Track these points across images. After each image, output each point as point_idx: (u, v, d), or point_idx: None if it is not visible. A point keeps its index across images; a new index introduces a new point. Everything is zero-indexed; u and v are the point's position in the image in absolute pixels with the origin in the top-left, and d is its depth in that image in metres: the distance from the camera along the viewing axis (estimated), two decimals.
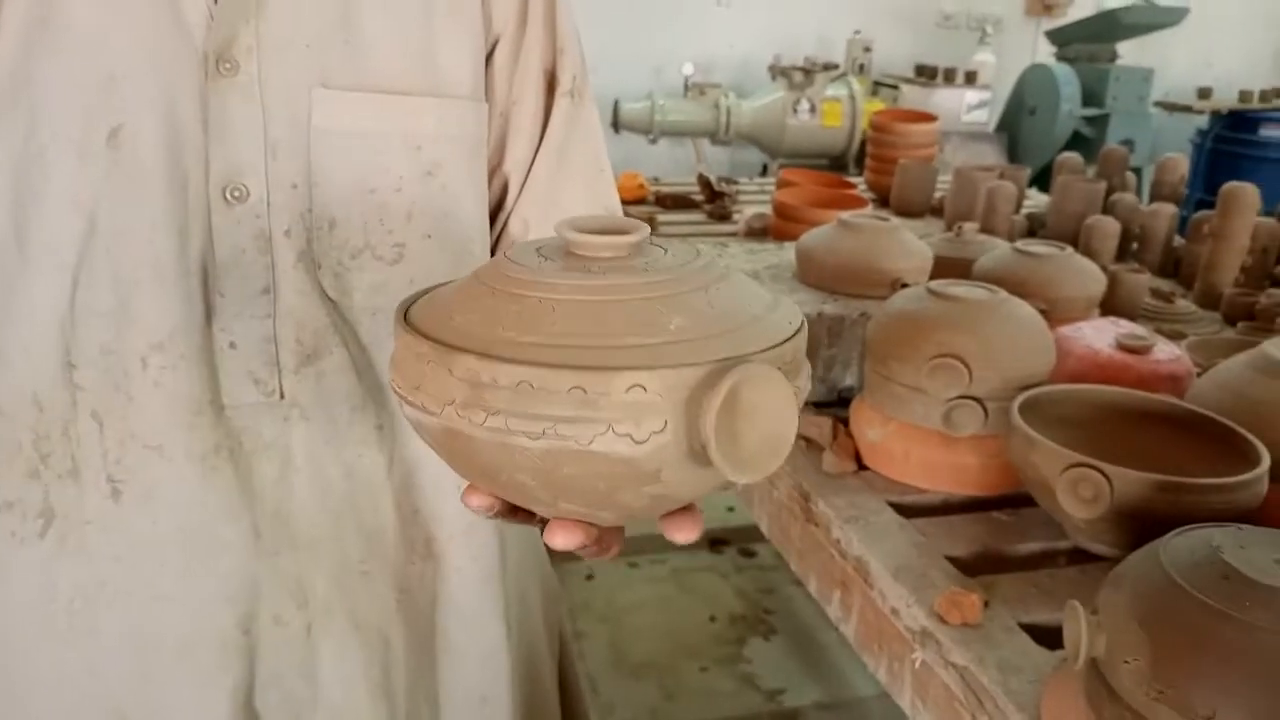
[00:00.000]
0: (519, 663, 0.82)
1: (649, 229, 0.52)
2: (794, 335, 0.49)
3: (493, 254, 0.78)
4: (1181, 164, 2.18)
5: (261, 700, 0.71)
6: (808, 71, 3.96)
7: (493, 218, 0.78)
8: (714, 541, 2.70)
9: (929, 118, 2.69)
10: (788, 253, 1.56)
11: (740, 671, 2.25)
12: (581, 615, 2.39)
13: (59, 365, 0.64)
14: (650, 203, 2.40)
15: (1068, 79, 4.15)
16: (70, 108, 0.62)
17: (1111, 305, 1.53)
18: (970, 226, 1.65)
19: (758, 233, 2.05)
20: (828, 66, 4.02)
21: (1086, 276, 1.42)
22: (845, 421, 1.20)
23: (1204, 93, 4.30)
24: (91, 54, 0.62)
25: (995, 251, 1.49)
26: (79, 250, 0.63)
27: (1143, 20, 4.47)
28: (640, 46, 4.38)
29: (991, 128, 4.32)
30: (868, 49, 4.42)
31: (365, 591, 0.72)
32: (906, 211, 2.30)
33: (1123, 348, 1.17)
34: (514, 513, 0.51)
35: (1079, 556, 0.97)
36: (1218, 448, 0.97)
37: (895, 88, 4.30)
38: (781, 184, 2.24)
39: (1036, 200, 2.51)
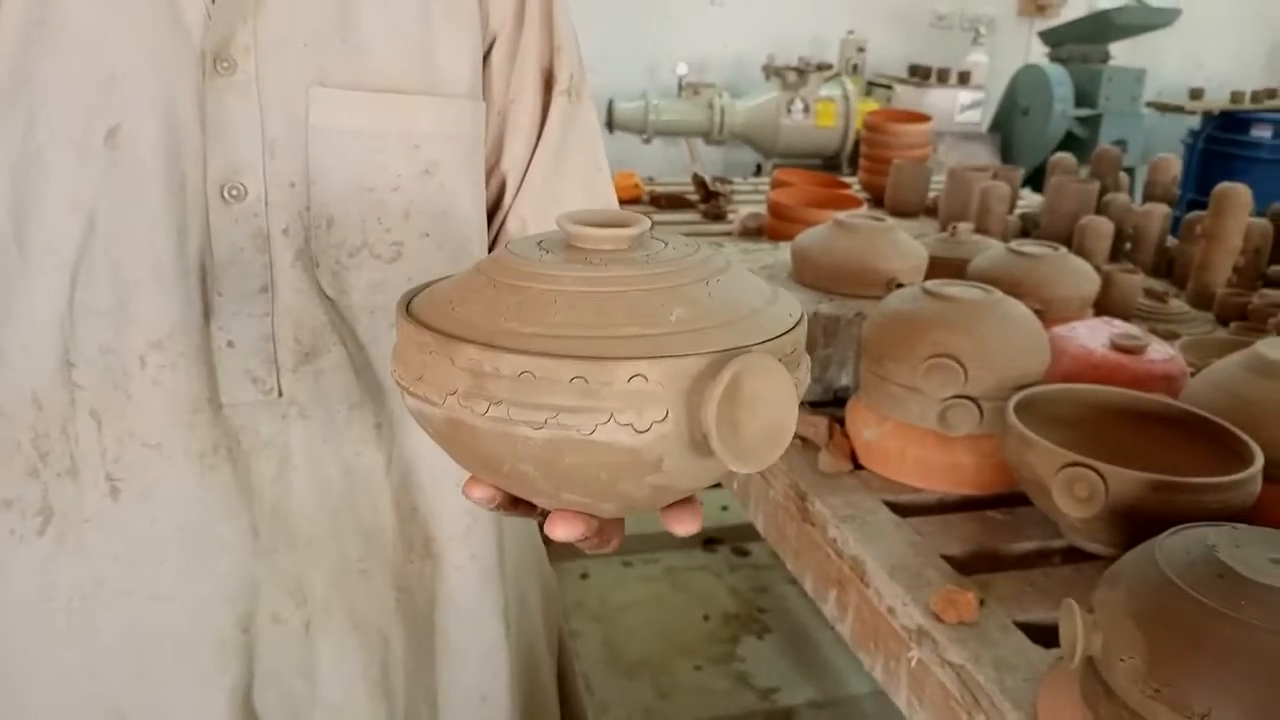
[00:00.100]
0: (518, 661, 0.82)
1: (649, 222, 0.52)
2: (794, 327, 0.49)
3: (490, 251, 0.78)
4: (1174, 165, 2.18)
5: (260, 699, 0.71)
6: (801, 71, 3.96)
7: (490, 216, 0.78)
8: (708, 540, 2.70)
9: (923, 118, 2.70)
10: (783, 253, 1.57)
11: (734, 670, 2.25)
12: (575, 614, 2.40)
13: (58, 364, 0.64)
14: (645, 202, 2.40)
15: (1061, 79, 4.16)
16: (69, 107, 0.62)
17: (1105, 305, 1.54)
18: (965, 227, 1.66)
19: (752, 232, 2.06)
20: (821, 66, 4.03)
21: (1080, 277, 1.43)
22: (841, 421, 1.20)
23: (1196, 93, 4.31)
24: (90, 53, 0.62)
25: (990, 251, 1.50)
26: (78, 249, 0.63)
27: (1135, 21, 4.48)
28: (634, 46, 4.38)
29: (985, 128, 4.33)
30: (861, 49, 4.42)
31: (364, 590, 0.72)
32: (900, 211, 2.30)
33: (1117, 348, 1.18)
34: (515, 505, 0.51)
35: (1074, 555, 0.98)
36: (1212, 447, 0.97)
37: (889, 88, 4.31)
38: (776, 184, 2.24)
39: (1030, 200, 2.51)
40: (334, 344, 0.69)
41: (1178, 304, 1.71)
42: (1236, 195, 1.75)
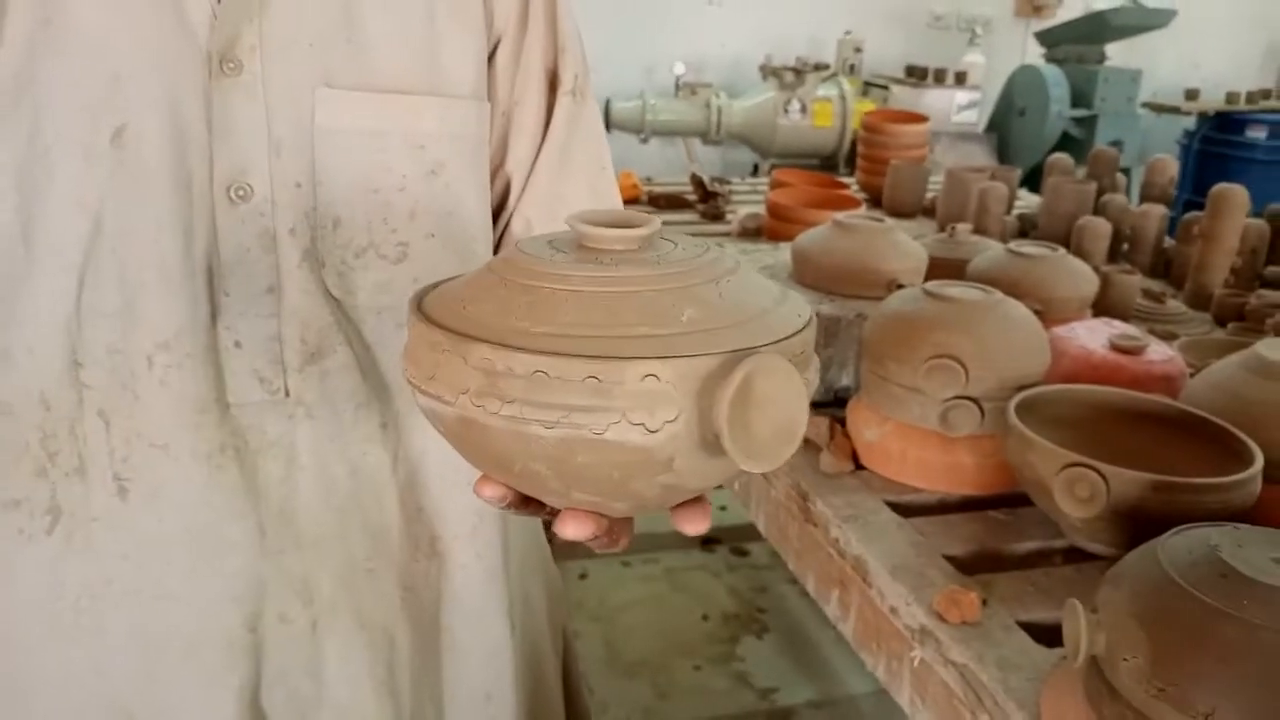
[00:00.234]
0: (523, 660, 0.82)
1: (660, 223, 0.52)
2: (804, 328, 0.50)
3: (495, 253, 0.78)
4: (1171, 165, 2.19)
5: (267, 699, 0.71)
6: (799, 71, 3.97)
7: (495, 216, 0.78)
8: (706, 540, 2.70)
9: (920, 119, 2.70)
10: (782, 253, 1.57)
11: (733, 670, 2.25)
12: (574, 614, 2.40)
13: (65, 364, 0.64)
14: (644, 203, 2.41)
15: (1057, 80, 4.17)
16: (74, 108, 0.62)
17: (1104, 306, 1.54)
18: (963, 227, 1.66)
19: (751, 233, 2.06)
20: (818, 67, 4.04)
21: (1079, 277, 1.44)
22: (842, 421, 1.20)
23: (1191, 94, 4.33)
24: (95, 54, 0.62)
25: (989, 252, 1.50)
26: (85, 250, 0.63)
27: (1131, 22, 4.49)
28: (631, 46, 4.38)
29: (981, 128, 4.34)
30: (858, 49, 4.43)
31: (370, 589, 0.72)
32: (898, 212, 2.31)
33: (1116, 348, 1.18)
34: (525, 503, 0.51)
35: (1075, 555, 0.98)
36: (1211, 448, 0.98)
37: (885, 88, 4.31)
38: (775, 184, 2.25)
39: (1027, 201, 2.52)
40: (340, 344, 0.69)
41: (1175, 304, 1.72)
42: (1234, 196, 1.75)
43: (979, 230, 1.86)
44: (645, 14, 4.45)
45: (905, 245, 1.43)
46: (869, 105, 3.98)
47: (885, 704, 2.16)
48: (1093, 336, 1.22)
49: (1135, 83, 4.34)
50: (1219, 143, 4.20)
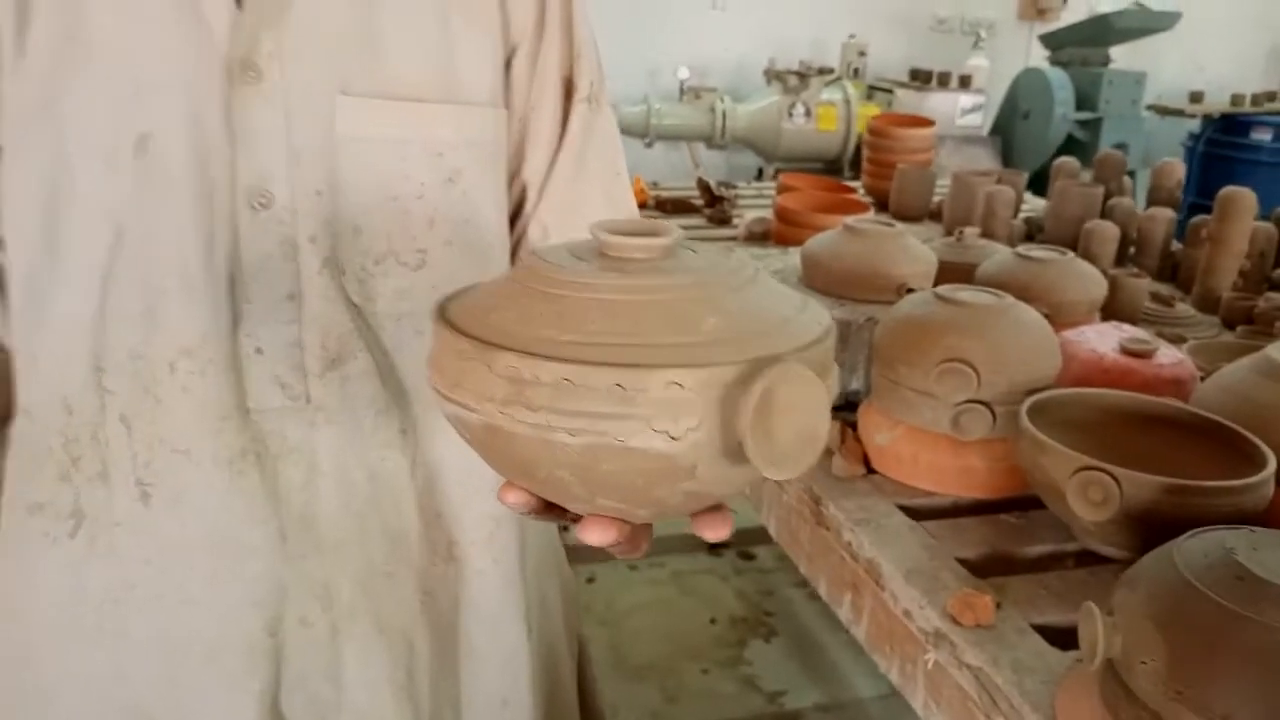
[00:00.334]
0: (539, 665, 0.82)
1: (681, 232, 0.53)
2: (825, 336, 0.50)
3: (512, 259, 0.79)
4: (1178, 169, 2.19)
5: (287, 703, 0.71)
6: (803, 75, 3.98)
7: (511, 223, 0.79)
8: (713, 544, 2.71)
9: (927, 122, 2.71)
10: (791, 257, 1.57)
11: (741, 674, 2.26)
12: (582, 618, 2.40)
13: (88, 370, 0.65)
14: (650, 207, 2.41)
15: (1061, 83, 4.18)
16: (97, 118, 0.63)
17: (1112, 310, 1.54)
18: (971, 231, 1.66)
19: (758, 237, 2.06)
20: (822, 70, 4.04)
21: (1088, 281, 1.44)
22: (853, 425, 1.21)
23: (1196, 96, 4.33)
24: (117, 64, 0.63)
25: (997, 256, 1.50)
26: (107, 258, 0.64)
27: (1135, 24, 4.49)
28: (635, 50, 4.39)
29: (985, 131, 4.34)
30: (862, 53, 4.44)
31: (389, 594, 0.73)
32: (905, 216, 2.31)
33: (1126, 352, 1.18)
34: (548, 510, 0.52)
35: (1087, 558, 0.98)
36: (1223, 451, 0.98)
37: (890, 92, 4.32)
38: (783, 189, 2.25)
39: (1032, 204, 2.52)
40: (360, 350, 0.69)
41: (1184, 308, 1.72)
42: (1241, 199, 1.75)
43: (986, 234, 1.86)
44: (648, 18, 4.45)
45: (915, 249, 1.43)
46: (873, 109, 3.99)
47: (893, 707, 2.17)
48: (1103, 340, 1.22)
49: (1139, 85, 4.34)
50: (1224, 145, 4.20)
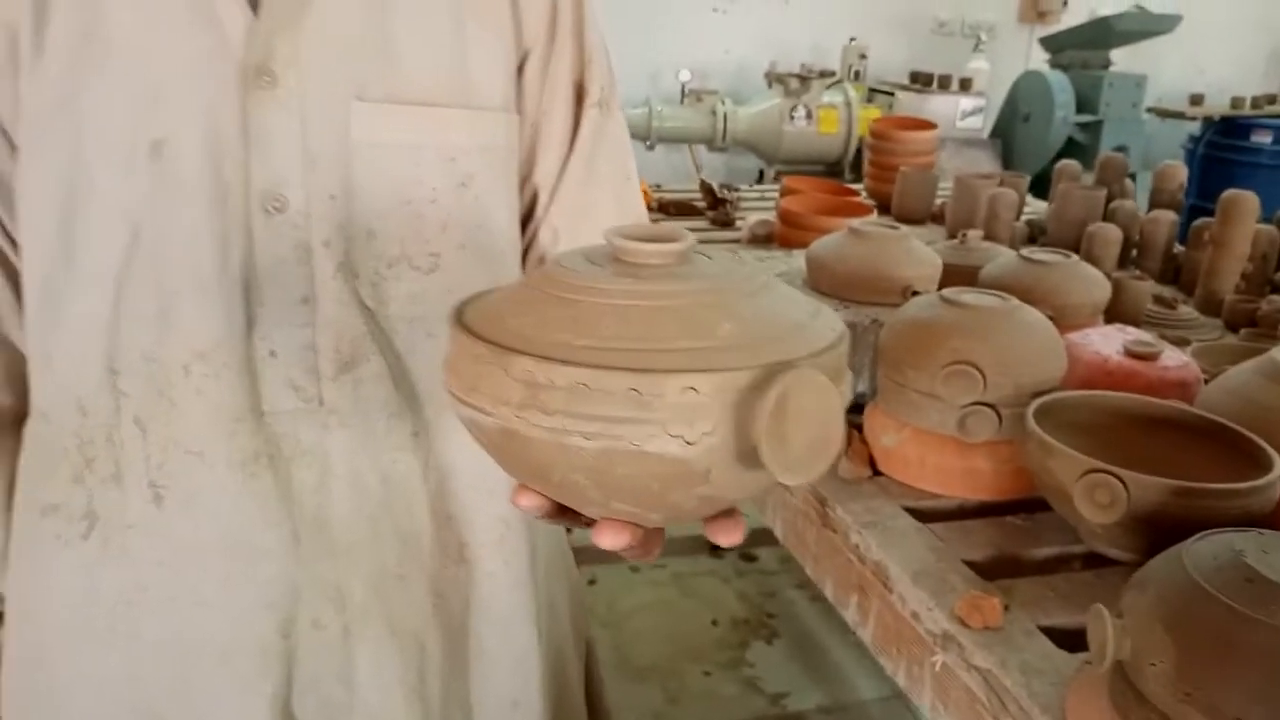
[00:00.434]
0: (549, 667, 0.83)
1: (694, 238, 0.53)
2: (838, 342, 0.50)
3: (523, 262, 0.79)
4: (1180, 171, 2.19)
5: (299, 705, 0.71)
6: (804, 78, 3.98)
7: (522, 227, 0.79)
8: (714, 545, 2.70)
9: (929, 125, 2.71)
10: (795, 260, 1.58)
11: (743, 675, 2.26)
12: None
13: (103, 371, 0.65)
14: (653, 209, 2.41)
15: (1062, 86, 4.18)
16: (114, 121, 0.63)
17: (1115, 312, 1.54)
18: (975, 234, 1.66)
19: (762, 240, 2.07)
20: (824, 73, 4.05)
21: (1092, 283, 1.44)
22: (859, 427, 1.21)
23: (1196, 99, 4.34)
24: (134, 69, 0.63)
25: (1001, 259, 1.51)
26: (123, 260, 0.64)
27: (1136, 27, 4.50)
28: (637, 53, 4.39)
29: (986, 134, 4.35)
30: (863, 56, 4.44)
31: (401, 596, 0.73)
32: (907, 218, 2.31)
33: (1131, 354, 1.19)
34: (561, 513, 0.52)
35: (1094, 561, 0.98)
36: (1228, 453, 0.98)
37: (890, 94, 4.33)
38: (786, 191, 2.25)
39: (1034, 207, 2.53)
40: (373, 354, 0.70)
41: (1187, 310, 1.72)
42: (1244, 202, 1.76)
43: (989, 236, 1.86)
44: (649, 20, 4.46)
45: (920, 252, 1.43)
46: (874, 112, 4.00)
47: (895, 709, 2.17)
48: (1107, 343, 1.22)
49: (1140, 88, 4.35)
50: (1224, 148, 4.21)
